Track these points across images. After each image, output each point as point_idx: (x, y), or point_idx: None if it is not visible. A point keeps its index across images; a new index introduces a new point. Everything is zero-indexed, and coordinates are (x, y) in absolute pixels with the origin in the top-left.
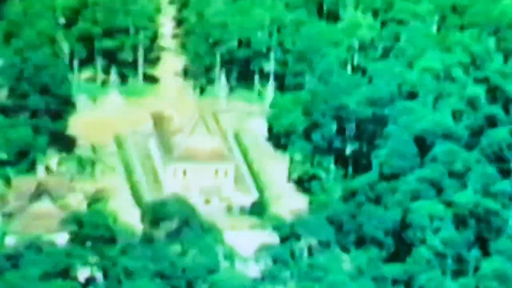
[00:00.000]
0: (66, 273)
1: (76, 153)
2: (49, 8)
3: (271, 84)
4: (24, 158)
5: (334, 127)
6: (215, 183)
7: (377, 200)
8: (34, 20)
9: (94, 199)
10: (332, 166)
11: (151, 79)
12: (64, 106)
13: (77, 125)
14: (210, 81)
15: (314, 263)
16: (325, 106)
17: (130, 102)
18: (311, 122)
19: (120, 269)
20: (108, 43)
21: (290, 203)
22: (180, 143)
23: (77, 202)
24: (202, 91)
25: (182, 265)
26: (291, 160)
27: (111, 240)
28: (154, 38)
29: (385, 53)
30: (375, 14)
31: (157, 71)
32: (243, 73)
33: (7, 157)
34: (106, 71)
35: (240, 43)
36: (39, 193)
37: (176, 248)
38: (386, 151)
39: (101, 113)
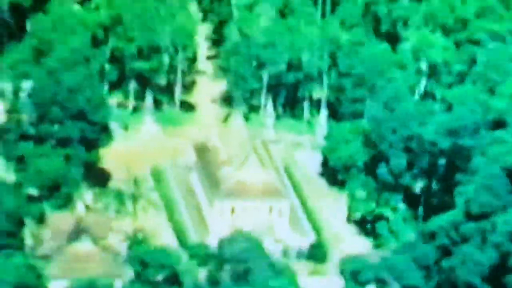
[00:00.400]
0: None
1: (112, 188)
2: (82, 23)
3: (323, 112)
4: (55, 193)
5: (403, 160)
6: (268, 223)
7: (463, 243)
8: (65, 36)
9: (136, 240)
10: (401, 205)
11: (187, 106)
12: (100, 134)
13: (108, 156)
14: (254, 109)
15: None
16: (393, 136)
17: (166, 131)
18: (375, 155)
19: None
20: (142, 64)
21: (351, 246)
22: (228, 176)
23: (118, 243)
24: (245, 119)
25: None
26: (352, 198)
27: (175, 281)
28: (193, 59)
29: (460, 77)
30: (446, 33)
31: (193, 97)
32: (290, 99)
33: (38, 191)
34: (137, 96)
35: (288, 65)
36: (78, 232)
37: None
38: (473, 187)
39: (135, 143)
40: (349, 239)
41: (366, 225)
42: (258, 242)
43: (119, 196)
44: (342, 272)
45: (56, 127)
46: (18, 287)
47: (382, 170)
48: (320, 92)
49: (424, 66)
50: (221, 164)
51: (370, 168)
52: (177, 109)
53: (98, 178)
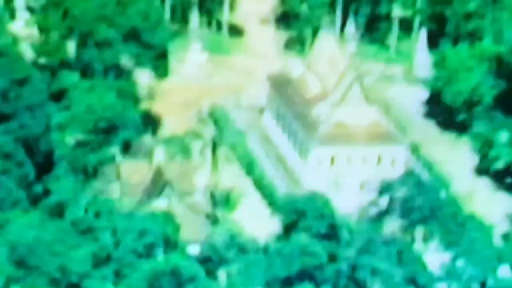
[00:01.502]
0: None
1: (187, 131)
2: None
3: (422, 34)
4: (112, 138)
5: None
6: (378, 175)
7: None
8: None
9: (222, 200)
10: None
11: (232, 30)
12: (158, 62)
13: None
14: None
15: None
16: None
17: (216, 62)
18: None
19: (367, 272)
20: None
21: (491, 206)
22: (325, 116)
23: (202, 202)
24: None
25: None
26: (484, 144)
27: (333, 235)
28: None
29: None
30: None
31: (235, 18)
32: (369, 18)
33: (87, 135)
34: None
35: None
36: (158, 186)
37: None
38: None
39: (181, 76)
40: (487, 197)
41: (506, 178)
42: (434, 186)
43: (187, 145)
44: None
45: (103, 51)
46: (162, 238)
47: None
48: (408, 9)
49: None
50: (312, 100)
51: (505, 104)
52: (224, 33)
53: (152, 120)
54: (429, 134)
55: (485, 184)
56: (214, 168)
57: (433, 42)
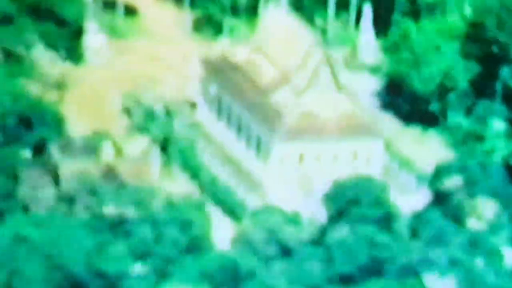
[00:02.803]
0: None
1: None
2: None
3: (366, 11)
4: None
5: None
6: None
7: None
8: None
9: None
10: None
11: (125, 9)
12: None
13: None
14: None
15: None
16: None
17: (114, 46)
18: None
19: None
20: None
21: None
22: (289, 105)
23: None
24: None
25: None
26: (467, 136)
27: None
28: None
29: None
30: None
31: None
32: None
33: None
34: None
35: None
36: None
37: None
38: None
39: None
40: None
41: None
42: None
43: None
44: None
45: None
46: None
47: None
48: None
49: None
50: (268, 87)
51: (479, 90)
52: (118, 13)
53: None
54: (391, 128)
55: None
56: (166, 172)
57: (376, 20)
